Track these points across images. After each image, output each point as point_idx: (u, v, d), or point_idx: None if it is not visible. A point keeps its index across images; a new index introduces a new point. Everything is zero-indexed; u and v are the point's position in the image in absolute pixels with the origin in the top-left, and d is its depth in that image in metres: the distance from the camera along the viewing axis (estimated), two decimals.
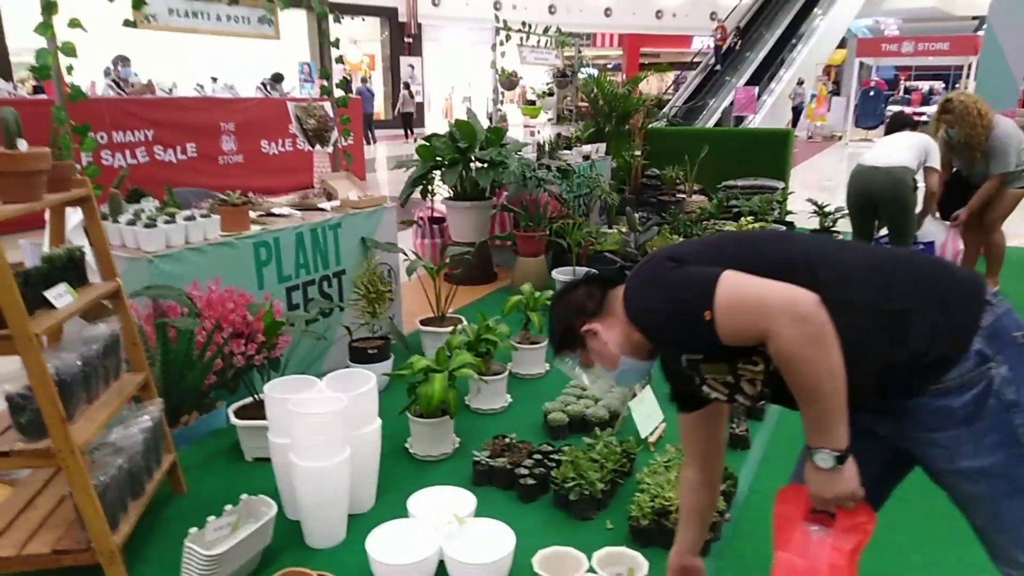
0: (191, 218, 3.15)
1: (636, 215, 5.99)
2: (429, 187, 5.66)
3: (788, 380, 1.29)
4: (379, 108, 25.13)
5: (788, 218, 6.97)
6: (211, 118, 10.04)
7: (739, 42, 17.18)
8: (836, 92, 23.07)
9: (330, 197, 4.08)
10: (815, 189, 6.17)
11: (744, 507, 2.60)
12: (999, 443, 1.30)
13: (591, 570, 2.10)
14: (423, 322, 4.08)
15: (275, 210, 3.71)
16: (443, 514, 2.25)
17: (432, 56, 26.00)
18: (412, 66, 25.93)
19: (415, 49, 25.23)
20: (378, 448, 2.57)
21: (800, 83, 18.91)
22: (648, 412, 3.06)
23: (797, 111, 19.49)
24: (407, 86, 21.40)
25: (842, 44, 22.28)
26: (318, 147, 4.15)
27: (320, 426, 2.24)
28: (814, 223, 6.44)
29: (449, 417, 2.85)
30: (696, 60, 19.66)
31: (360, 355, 3.51)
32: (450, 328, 3.98)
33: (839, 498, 1.35)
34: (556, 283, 4.95)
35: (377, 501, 2.62)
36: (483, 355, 3.31)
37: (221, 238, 3.20)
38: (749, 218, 6.01)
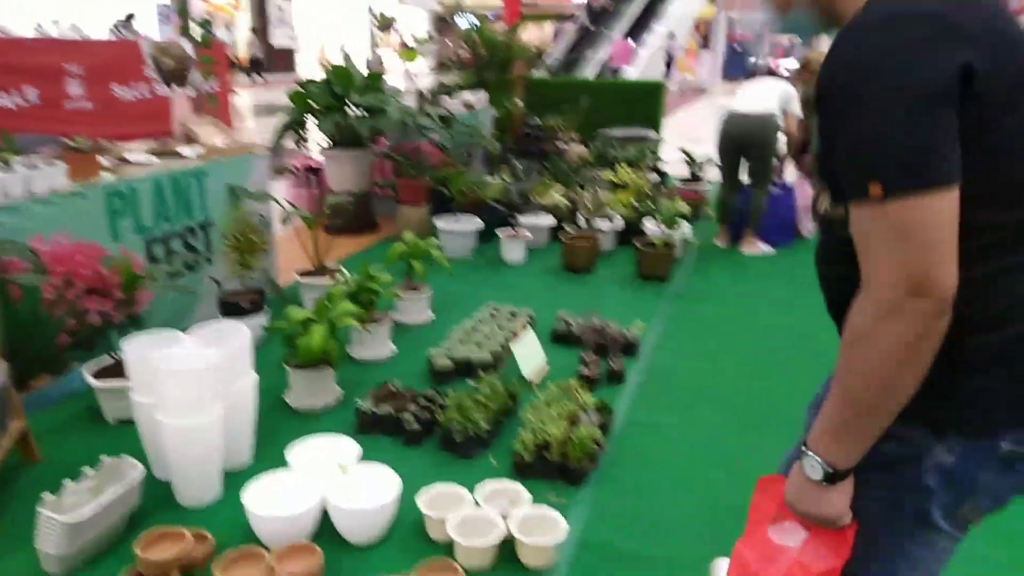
0: (33, 166, 2.85)
1: (518, 164, 6.01)
2: (304, 135, 5.41)
3: (846, 346, 0.98)
4: (243, 52, 23.62)
5: (662, 166, 7.24)
6: (53, 60, 9.03)
7: (612, 3, 17.35)
8: (705, 45, 23.96)
9: (192, 143, 3.80)
10: (685, 139, 6.43)
11: (620, 437, 2.74)
12: None
13: (475, 504, 2.15)
14: (301, 274, 3.94)
15: (129, 156, 3.42)
16: (325, 463, 2.22)
17: None
18: (281, 8, 24.42)
19: None
20: (254, 402, 2.48)
21: (672, 36, 19.46)
22: (531, 353, 3.13)
23: (669, 64, 20.09)
24: (255, 30, 20.20)
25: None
26: (177, 89, 3.84)
27: (188, 382, 2.13)
28: (684, 171, 6.73)
29: (330, 367, 2.79)
30: (575, 13, 19.76)
31: (232, 309, 3.35)
32: (329, 280, 3.87)
33: (817, 518, 1.08)
34: (440, 232, 4.91)
35: (255, 456, 2.54)
36: (366, 304, 3.25)
37: (69, 188, 2.92)
38: (625, 166, 6.18)
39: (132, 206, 3.15)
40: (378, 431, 2.70)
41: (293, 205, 3.82)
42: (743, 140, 4.92)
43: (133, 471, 2.14)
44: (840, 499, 1.05)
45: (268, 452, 2.56)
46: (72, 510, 1.89)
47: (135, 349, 2.29)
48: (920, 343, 0.92)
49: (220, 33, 22.30)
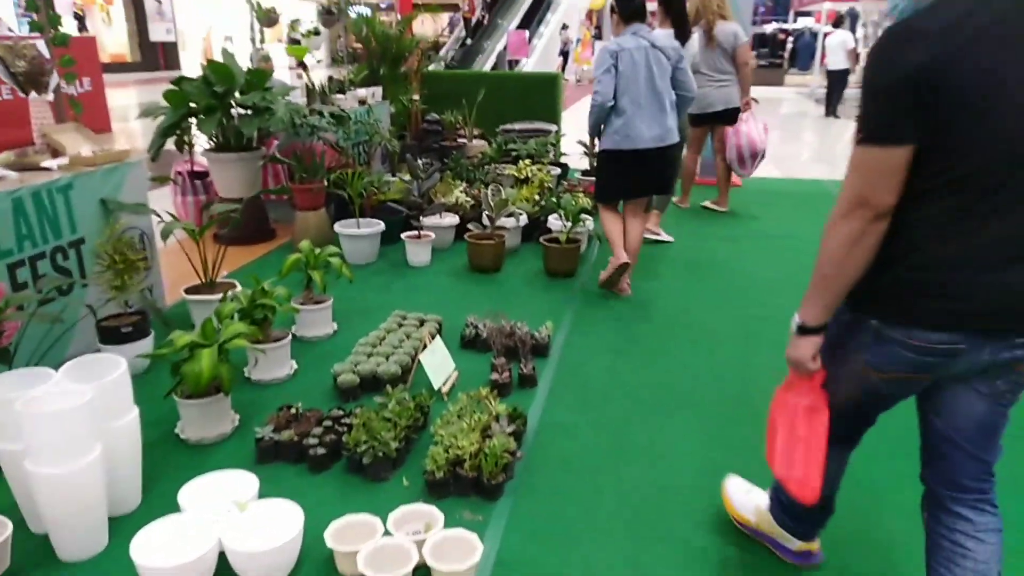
0: None
1: (419, 161, 5.87)
2: (186, 138, 5.06)
3: (822, 239, 1.48)
4: (122, 48, 22.18)
5: (562, 159, 7.28)
6: None
7: (487, 16, 17.29)
8: (598, 36, 24.38)
9: (56, 154, 3.47)
10: (585, 131, 6.52)
11: (535, 443, 2.70)
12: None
13: (387, 533, 2.05)
14: (189, 291, 3.68)
15: None
16: (221, 502, 2.06)
17: None
18: (159, 1, 22.97)
19: None
20: (138, 440, 2.27)
21: (564, 27, 19.67)
22: (440, 363, 3.05)
23: (565, 55, 20.30)
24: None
25: None
26: (33, 94, 3.47)
27: (59, 425, 1.91)
28: (584, 164, 6.79)
29: (223, 394, 2.60)
30: (458, 4, 19.61)
31: (112, 335, 3.08)
32: (221, 295, 3.63)
33: (791, 360, 1.63)
34: (341, 237, 4.72)
35: (143, 499, 2.33)
36: (260, 322, 3.06)
37: None
38: (527, 161, 6.17)
39: None
40: (280, 459, 2.55)
41: (174, 216, 3.55)
42: None
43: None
44: (807, 347, 1.58)
45: (159, 492, 2.36)
46: None
47: None
48: (861, 237, 1.41)
49: (95, 28, 20.80)
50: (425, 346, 3.04)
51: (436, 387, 2.96)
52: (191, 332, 2.61)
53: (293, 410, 2.73)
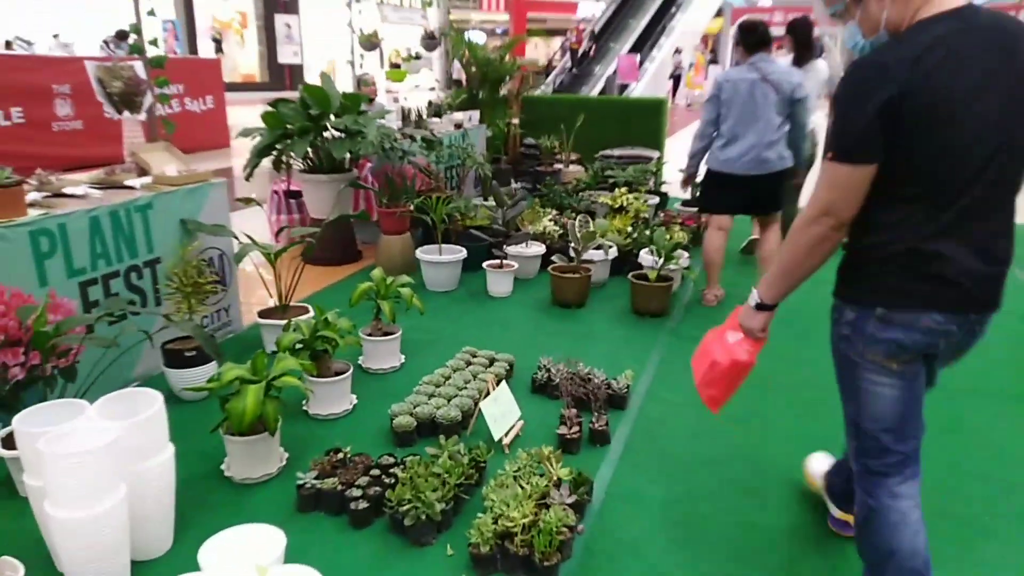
0: None
1: (514, 186, 5.70)
2: (283, 158, 5.11)
3: (789, 233, 1.70)
4: (253, 69, 23.61)
5: (663, 188, 6.90)
6: (39, 79, 8.87)
7: (593, 47, 17.04)
8: (714, 60, 23.65)
9: (143, 173, 3.51)
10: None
11: (599, 517, 2.38)
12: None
13: None
14: (262, 314, 3.62)
15: (68, 190, 3.12)
16: (243, 564, 1.87)
17: (312, 14, 24.58)
18: (289, 24, 24.35)
19: (291, 7, 23.73)
20: (171, 482, 2.14)
21: (678, 51, 19.15)
22: (503, 412, 2.79)
23: (677, 80, 19.76)
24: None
25: (719, 13, 22.78)
26: (127, 113, 3.54)
27: (78, 467, 1.80)
28: (686, 193, 6.37)
29: (269, 434, 2.45)
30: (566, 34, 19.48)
31: (175, 359, 3.03)
32: (296, 318, 3.55)
33: (745, 328, 1.89)
34: (421, 264, 4.58)
35: (176, 540, 2.20)
36: (320, 355, 2.92)
37: None
38: (623, 189, 5.85)
39: (62, 245, 2.84)
40: (321, 509, 2.36)
41: (251, 238, 3.50)
42: None
43: (12, 573, 1.81)
44: (761, 319, 1.84)
45: (193, 535, 2.22)
46: None
47: (24, 424, 1.96)
48: (822, 241, 1.62)
49: (230, 50, 22.21)
50: (488, 393, 2.79)
51: (496, 438, 2.70)
52: (241, 366, 2.48)
53: (341, 455, 2.54)
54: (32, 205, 2.90)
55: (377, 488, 2.36)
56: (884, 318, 1.62)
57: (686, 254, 4.50)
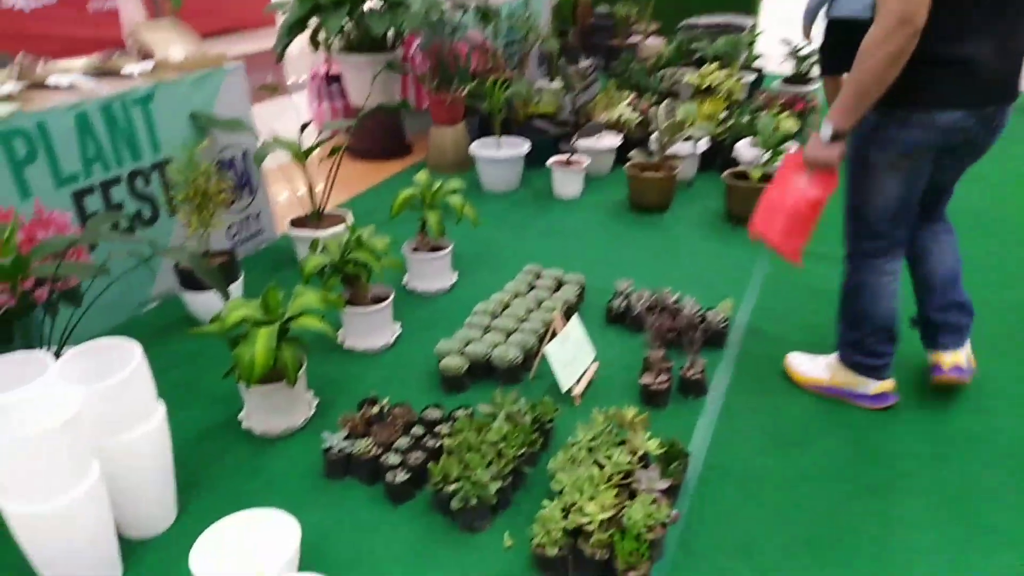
0: None
1: (582, 64, 4.91)
2: (319, 35, 4.46)
3: (859, 56, 1.71)
4: None
5: (756, 64, 5.93)
6: None
7: None
8: None
9: (147, 57, 2.96)
10: (793, 25, 5.18)
11: (696, 497, 1.88)
12: None
13: None
14: (295, 223, 3.14)
15: (52, 80, 2.62)
16: (244, 566, 1.47)
17: None
18: None
19: None
20: (163, 450, 1.74)
21: None
22: (573, 355, 2.26)
23: None
24: None
25: None
26: None
27: (29, 453, 1.39)
28: (788, 68, 5.43)
29: (288, 385, 2.00)
30: None
31: (192, 280, 2.60)
32: (332, 228, 3.06)
33: (820, 162, 1.89)
34: (477, 160, 3.97)
35: (183, 512, 1.83)
36: (353, 280, 2.43)
37: None
38: (713, 65, 4.98)
39: (44, 148, 2.37)
40: (353, 474, 1.94)
41: (277, 137, 2.96)
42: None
43: None
44: (837, 150, 1.87)
45: (201, 504, 1.86)
46: None
47: None
48: (901, 54, 1.67)
49: None
50: (554, 333, 2.26)
51: (564, 389, 2.20)
52: (251, 301, 2.02)
53: (377, 408, 2.09)
54: (7, 99, 2.41)
55: (419, 453, 1.91)
56: (904, 119, 1.80)
57: (795, 147, 3.73)
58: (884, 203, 1.94)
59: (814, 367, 2.27)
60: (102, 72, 2.78)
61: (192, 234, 2.57)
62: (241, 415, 2.16)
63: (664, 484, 1.74)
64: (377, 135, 4.54)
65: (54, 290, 2.16)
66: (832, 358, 2.24)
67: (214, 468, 1.99)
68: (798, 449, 2.04)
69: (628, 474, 1.78)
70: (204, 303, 2.62)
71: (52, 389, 1.53)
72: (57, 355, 2.03)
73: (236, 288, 2.71)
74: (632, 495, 1.74)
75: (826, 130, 1.85)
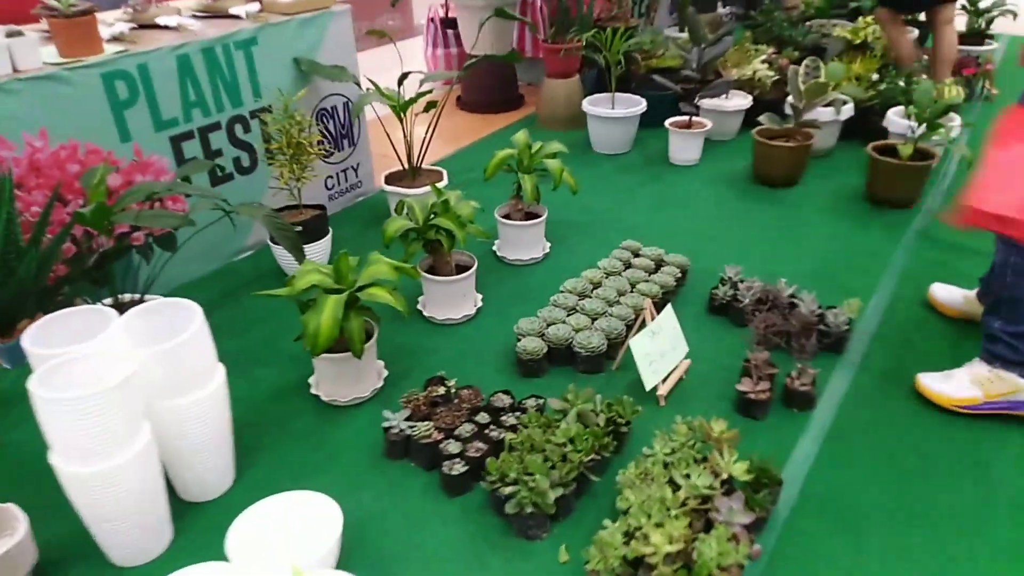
0: (15, 33, 2.17)
1: (721, 11, 4.47)
2: None
3: None
4: None
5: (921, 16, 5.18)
6: None
7: None
8: None
9: None
10: None
11: (789, 528, 1.64)
12: None
13: None
14: (390, 178, 3.05)
15: (161, 20, 2.62)
16: (281, 551, 1.42)
17: None
18: None
19: None
20: (221, 415, 1.70)
21: None
22: (662, 350, 2.04)
23: None
24: None
25: None
26: None
27: (78, 414, 1.37)
28: (960, 23, 4.70)
29: (355, 356, 1.92)
30: None
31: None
32: (426, 187, 2.95)
33: None
34: (589, 118, 3.71)
35: (239, 478, 1.81)
36: (436, 246, 2.31)
37: (52, 68, 2.19)
38: (868, 19, 4.39)
39: (145, 91, 2.37)
40: (412, 458, 1.85)
41: (378, 87, 2.85)
42: None
43: (15, 523, 1.50)
44: None
45: (264, 464, 1.84)
46: None
47: (40, 339, 1.57)
48: None
49: None
50: (643, 324, 2.04)
51: (648, 387, 1.98)
52: (324, 266, 1.93)
53: (444, 389, 1.98)
54: (115, 39, 2.43)
55: (481, 445, 1.78)
56: None
57: (958, 120, 3.20)
58: None
59: (958, 385, 1.95)
60: (210, 12, 2.76)
61: (284, 185, 2.53)
62: (311, 379, 2.12)
63: (747, 518, 1.52)
64: (488, 86, 4.36)
65: (150, 234, 2.19)
66: (976, 368, 1.95)
67: (278, 433, 1.96)
68: (917, 484, 1.73)
69: (706, 499, 1.57)
70: (291, 257, 2.59)
71: (110, 348, 1.51)
72: (141, 299, 2.06)
73: (323, 245, 2.66)
74: (708, 525, 1.53)
75: None
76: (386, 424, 1.86)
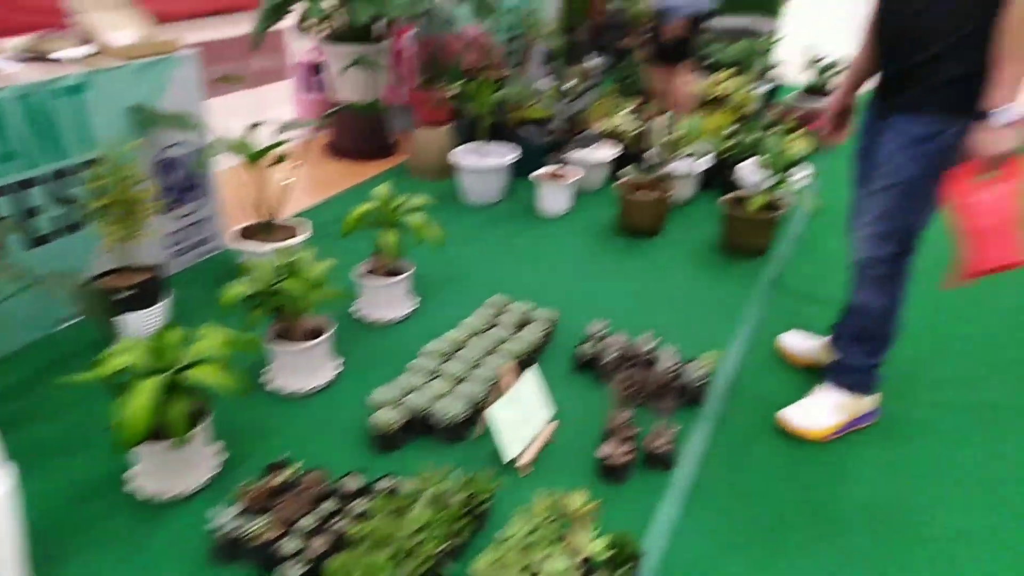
0: None
1: (591, 63, 4.57)
2: (313, 22, 4.15)
3: (1007, 37, 1.54)
4: None
5: (773, 72, 5.56)
6: None
7: None
8: None
9: (88, 40, 2.66)
10: (822, 30, 4.86)
11: None
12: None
13: None
14: (244, 232, 2.85)
15: None
16: None
17: None
18: None
19: None
20: (9, 527, 1.44)
21: None
22: (524, 415, 1.96)
23: None
24: None
25: None
26: None
27: None
28: (806, 77, 5.06)
29: (177, 443, 1.71)
30: None
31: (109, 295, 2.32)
32: (284, 240, 2.78)
33: (1004, 154, 1.61)
34: (458, 168, 3.65)
35: None
36: (280, 312, 2.14)
37: None
38: (727, 73, 4.63)
39: None
40: (245, 559, 1.65)
41: (221, 137, 2.66)
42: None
43: None
44: (1013, 131, 1.60)
45: None
46: None
47: None
48: None
49: None
50: (501, 388, 1.96)
51: (505, 460, 1.89)
52: (143, 340, 1.72)
53: (285, 474, 1.80)
54: None
55: (324, 539, 1.62)
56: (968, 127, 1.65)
57: (810, 169, 3.39)
58: (929, 214, 1.84)
59: (819, 415, 2.07)
60: (35, 54, 2.49)
61: (110, 247, 2.29)
62: (127, 474, 1.87)
63: None
64: (357, 133, 4.24)
65: None
66: (839, 397, 2.08)
67: (87, 538, 1.71)
68: (778, 546, 1.72)
69: None
70: (123, 324, 2.33)
71: None
72: None
73: (157, 311, 2.42)
74: None
75: (995, 118, 1.60)
76: (211, 525, 1.65)
